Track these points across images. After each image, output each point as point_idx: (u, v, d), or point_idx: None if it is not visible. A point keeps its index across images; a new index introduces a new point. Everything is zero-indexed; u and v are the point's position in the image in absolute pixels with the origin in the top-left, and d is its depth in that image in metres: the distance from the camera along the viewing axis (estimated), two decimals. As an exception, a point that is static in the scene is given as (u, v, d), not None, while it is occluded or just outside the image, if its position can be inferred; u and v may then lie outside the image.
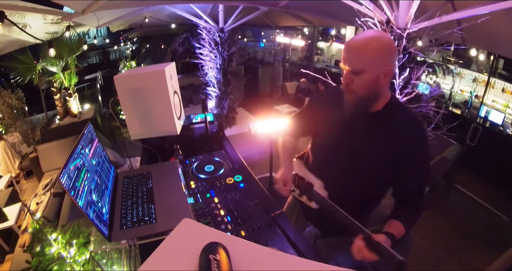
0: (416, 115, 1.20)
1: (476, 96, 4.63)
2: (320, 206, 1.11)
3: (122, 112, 1.55)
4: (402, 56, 1.86)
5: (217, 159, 1.72)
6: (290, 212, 1.48)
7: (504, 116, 4.00)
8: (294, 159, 1.28)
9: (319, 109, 1.20)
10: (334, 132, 1.12)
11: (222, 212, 1.29)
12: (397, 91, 1.96)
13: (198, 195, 1.41)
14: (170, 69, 1.57)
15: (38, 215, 2.67)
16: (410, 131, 1.02)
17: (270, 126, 2.51)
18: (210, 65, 4.12)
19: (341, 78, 1.00)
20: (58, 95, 4.30)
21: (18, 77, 3.92)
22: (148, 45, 11.19)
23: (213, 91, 4.29)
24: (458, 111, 4.67)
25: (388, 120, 1.02)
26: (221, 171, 1.60)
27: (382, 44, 0.92)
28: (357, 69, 0.93)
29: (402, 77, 1.91)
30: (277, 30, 8.25)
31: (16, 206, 3.10)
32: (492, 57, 4.35)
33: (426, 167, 1.07)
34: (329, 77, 2.33)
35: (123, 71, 5.17)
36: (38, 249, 1.39)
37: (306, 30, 8.16)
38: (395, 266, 0.79)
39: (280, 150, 1.34)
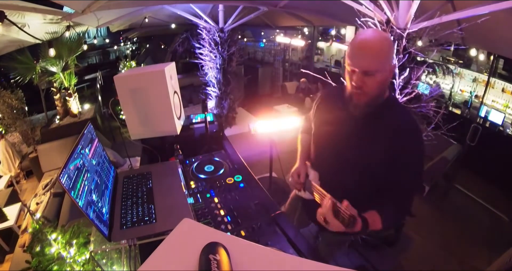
0: (413, 115, 1.18)
1: (476, 96, 4.63)
2: (310, 193, 1.16)
3: (122, 112, 1.55)
4: (402, 56, 1.86)
5: (217, 159, 1.72)
6: (291, 209, 1.50)
7: (504, 116, 3.99)
8: None
9: (324, 108, 1.21)
10: (337, 131, 1.12)
11: (222, 212, 1.29)
12: (397, 91, 1.96)
13: (198, 195, 1.41)
14: (170, 69, 1.57)
15: (38, 215, 2.67)
16: (406, 131, 1.00)
17: (270, 126, 2.52)
18: (210, 65, 4.12)
19: (351, 82, 0.97)
20: (58, 95, 4.29)
21: (18, 77, 3.92)
22: (148, 45, 11.19)
23: (213, 91, 4.29)
24: (458, 111, 4.67)
25: (384, 118, 1.02)
26: (221, 171, 1.60)
27: (390, 43, 0.92)
28: (373, 70, 0.91)
29: (402, 77, 1.91)
30: (277, 30, 8.24)
31: (16, 206, 3.10)
32: (492, 57, 4.34)
33: (416, 169, 1.03)
34: (329, 77, 2.33)
35: (123, 71, 5.17)
36: (38, 249, 1.39)
37: (306, 30, 8.15)
38: (351, 223, 0.84)
39: (298, 146, 1.38)
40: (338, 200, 0.93)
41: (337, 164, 1.13)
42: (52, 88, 4.26)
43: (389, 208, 1.01)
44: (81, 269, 1.35)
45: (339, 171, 1.13)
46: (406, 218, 1.09)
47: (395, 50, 0.99)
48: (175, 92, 1.61)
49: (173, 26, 6.66)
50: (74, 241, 1.40)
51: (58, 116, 4.40)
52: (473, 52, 4.65)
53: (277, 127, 2.51)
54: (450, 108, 4.76)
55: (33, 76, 3.95)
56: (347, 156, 1.09)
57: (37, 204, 3.14)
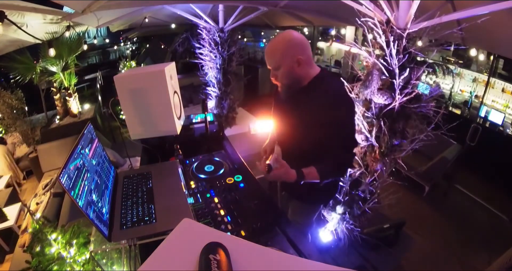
0: (341, 87, 1.37)
1: (476, 96, 4.63)
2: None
3: (122, 112, 1.55)
4: (402, 56, 1.86)
5: (217, 159, 1.73)
6: (273, 191, 1.84)
7: (504, 116, 4.00)
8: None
9: (274, 99, 1.57)
10: (278, 111, 1.50)
11: (222, 212, 1.29)
12: (397, 91, 1.96)
13: (198, 195, 1.42)
14: (170, 69, 1.57)
15: (38, 215, 2.67)
16: (329, 101, 1.23)
17: (270, 126, 2.51)
18: (210, 65, 4.11)
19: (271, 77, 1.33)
20: (58, 95, 4.29)
21: (18, 77, 3.91)
22: (148, 45, 11.17)
23: (213, 91, 4.28)
24: (458, 111, 4.67)
25: (310, 91, 1.27)
26: (221, 171, 1.60)
27: (285, 44, 1.20)
28: (275, 66, 1.25)
29: (402, 77, 1.91)
30: (277, 30, 8.22)
31: (16, 206, 3.10)
32: (492, 57, 4.34)
33: (345, 130, 1.27)
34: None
35: (123, 71, 5.16)
36: (38, 249, 1.38)
37: (306, 30, 8.15)
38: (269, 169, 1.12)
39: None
40: (290, 164, 1.17)
41: (286, 137, 1.43)
42: (52, 88, 4.26)
43: (325, 163, 1.24)
44: (81, 269, 1.35)
45: (289, 142, 1.42)
46: (346, 171, 1.51)
47: (300, 46, 1.22)
48: (175, 92, 1.61)
49: (173, 26, 6.66)
50: (74, 241, 1.40)
51: (58, 116, 4.40)
52: (473, 52, 4.65)
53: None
54: (450, 108, 4.76)
55: (33, 76, 3.95)
56: (290, 130, 1.39)
57: (37, 204, 3.13)
